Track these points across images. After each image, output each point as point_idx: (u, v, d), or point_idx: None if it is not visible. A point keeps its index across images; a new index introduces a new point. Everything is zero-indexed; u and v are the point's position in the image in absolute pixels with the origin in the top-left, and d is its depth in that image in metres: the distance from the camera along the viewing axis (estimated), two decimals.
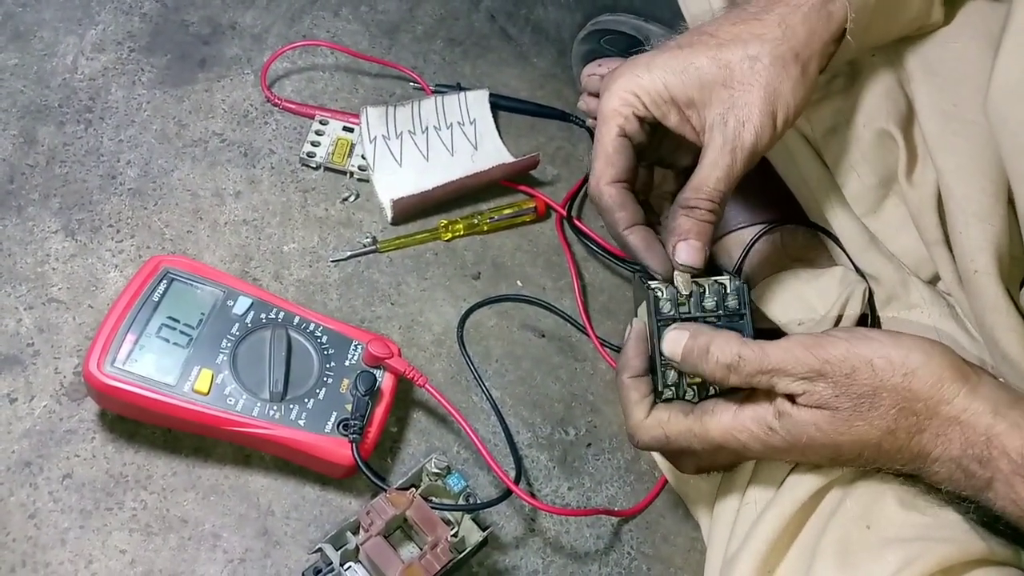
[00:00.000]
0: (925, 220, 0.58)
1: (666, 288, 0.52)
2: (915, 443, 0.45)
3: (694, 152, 0.53)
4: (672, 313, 0.52)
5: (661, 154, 0.57)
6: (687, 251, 0.51)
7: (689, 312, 0.52)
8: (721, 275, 0.53)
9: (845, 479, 0.51)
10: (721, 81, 0.50)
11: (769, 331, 0.59)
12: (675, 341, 0.50)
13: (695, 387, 0.52)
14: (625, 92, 0.51)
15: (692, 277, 0.52)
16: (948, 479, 0.45)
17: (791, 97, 0.51)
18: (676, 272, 0.52)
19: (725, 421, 0.49)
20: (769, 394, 0.48)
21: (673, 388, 0.52)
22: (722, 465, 0.56)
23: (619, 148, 0.52)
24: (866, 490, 0.49)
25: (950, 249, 0.57)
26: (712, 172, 0.50)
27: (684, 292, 0.52)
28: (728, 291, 0.52)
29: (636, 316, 0.55)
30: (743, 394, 0.49)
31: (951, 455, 0.44)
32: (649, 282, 0.52)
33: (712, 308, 0.52)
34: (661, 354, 0.51)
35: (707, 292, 0.52)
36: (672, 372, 0.51)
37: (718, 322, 0.51)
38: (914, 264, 0.60)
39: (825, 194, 0.63)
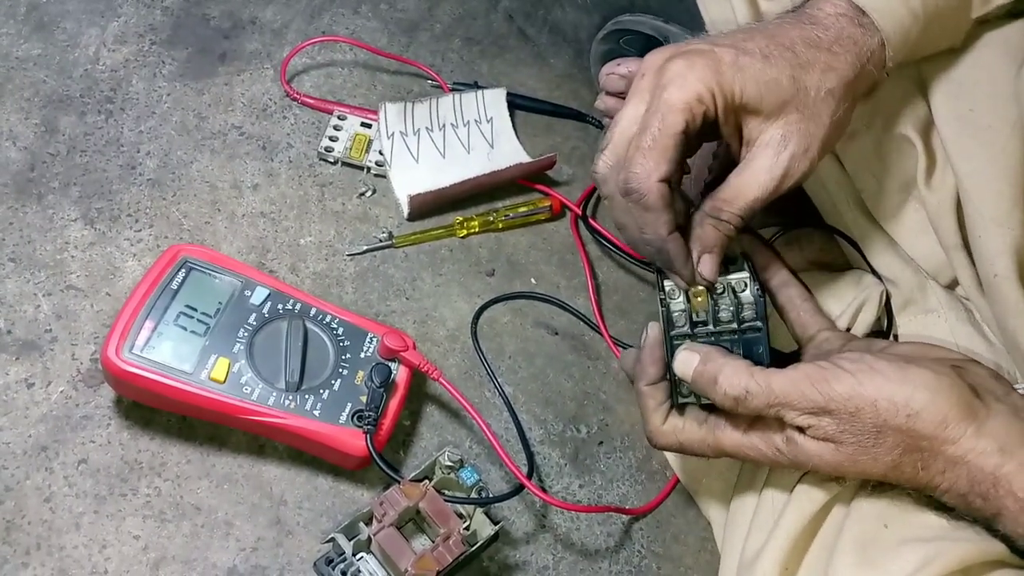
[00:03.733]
0: (944, 225, 0.58)
1: (680, 295, 0.51)
2: (922, 477, 0.45)
3: (718, 157, 0.53)
4: (685, 327, 0.51)
5: None
6: (712, 266, 0.50)
7: (704, 323, 0.51)
8: (738, 269, 0.52)
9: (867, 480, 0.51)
10: (795, 103, 0.48)
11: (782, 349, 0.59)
12: (685, 363, 0.49)
13: None
14: (703, 88, 0.47)
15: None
16: (957, 507, 0.45)
17: (842, 134, 0.51)
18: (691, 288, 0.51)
19: (735, 440, 0.49)
20: (780, 420, 0.48)
21: (692, 395, 0.52)
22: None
23: (679, 144, 0.47)
24: (886, 491, 0.49)
25: (969, 254, 0.57)
26: (753, 188, 0.48)
27: (700, 311, 0.51)
28: (743, 301, 0.51)
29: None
30: (752, 417, 0.50)
31: (959, 492, 0.45)
32: (664, 288, 0.52)
33: (727, 319, 0.51)
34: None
35: (722, 303, 0.51)
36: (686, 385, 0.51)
37: (734, 336, 0.51)
38: (933, 269, 0.60)
39: (843, 198, 0.63)
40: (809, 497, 0.51)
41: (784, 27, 0.50)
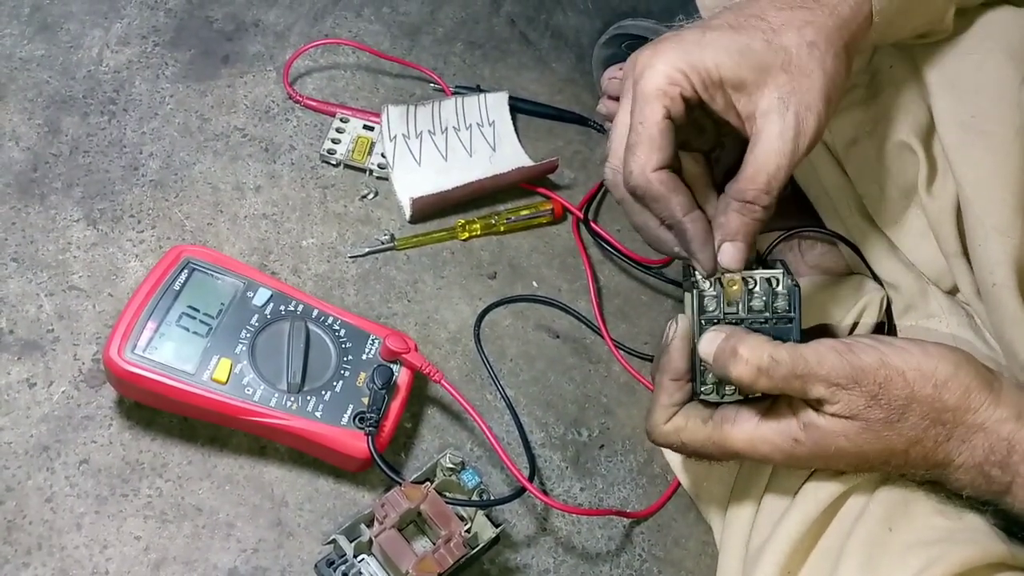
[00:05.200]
0: (944, 232, 0.58)
1: (714, 285, 0.50)
2: (941, 451, 0.45)
3: (727, 137, 0.51)
4: (717, 313, 0.50)
5: (682, 138, 0.51)
6: (733, 254, 0.48)
7: (736, 312, 0.50)
8: (771, 267, 0.51)
9: (867, 482, 0.51)
10: (779, 66, 0.47)
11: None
12: (710, 342, 0.48)
13: (736, 388, 0.50)
14: (673, 70, 0.46)
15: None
16: (970, 484, 0.45)
17: (844, 87, 0.49)
18: (725, 275, 0.50)
19: (747, 431, 0.48)
20: (792, 405, 0.48)
21: (713, 387, 0.51)
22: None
23: (665, 131, 0.47)
24: (888, 494, 0.50)
25: (968, 261, 0.57)
26: (771, 159, 0.46)
27: (733, 300, 0.50)
28: (778, 291, 0.50)
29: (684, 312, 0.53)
30: (765, 404, 0.49)
31: (974, 462, 0.45)
32: (696, 277, 0.50)
33: (760, 309, 0.50)
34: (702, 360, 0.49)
35: (756, 291, 0.50)
36: (711, 373, 0.50)
37: (765, 324, 0.50)
38: (935, 275, 0.60)
39: (845, 203, 0.63)
40: (814, 498, 0.51)
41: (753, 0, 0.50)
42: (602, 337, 0.70)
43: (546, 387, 0.68)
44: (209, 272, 0.59)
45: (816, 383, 0.45)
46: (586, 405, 0.68)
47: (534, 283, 0.73)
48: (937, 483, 0.47)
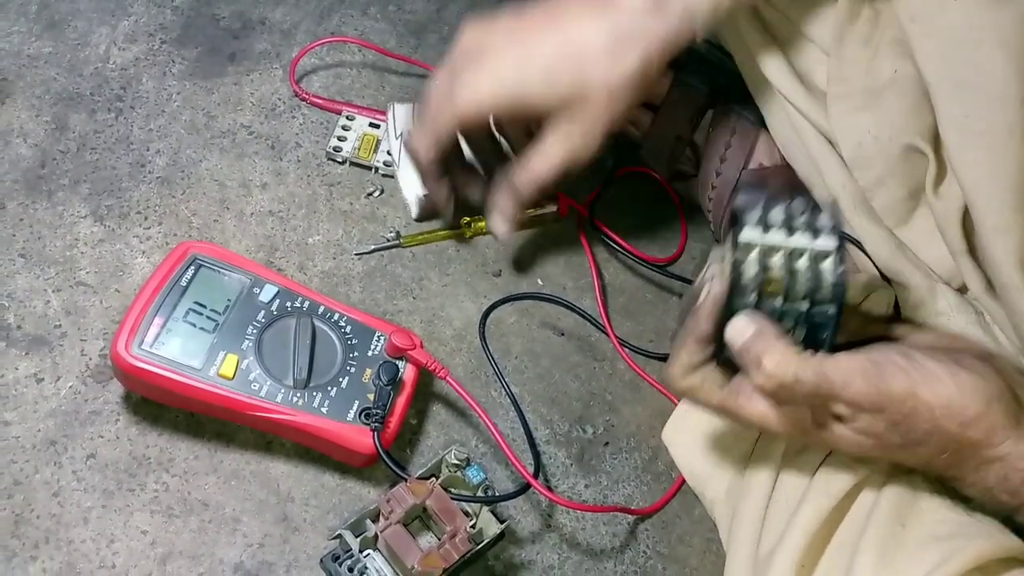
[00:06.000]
0: (951, 232, 0.58)
1: (755, 258, 0.47)
2: (953, 470, 0.46)
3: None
4: (752, 296, 0.47)
5: None
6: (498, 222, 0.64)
7: (774, 295, 0.47)
8: (827, 236, 0.47)
9: (878, 475, 0.51)
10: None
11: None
12: (739, 332, 0.47)
13: None
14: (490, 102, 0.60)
15: (790, 230, 0.47)
16: (978, 497, 0.46)
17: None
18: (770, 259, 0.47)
19: (760, 409, 0.48)
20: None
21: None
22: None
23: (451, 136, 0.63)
24: (898, 489, 0.50)
25: (975, 259, 0.57)
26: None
27: (774, 281, 0.47)
28: (823, 281, 0.46)
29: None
30: None
31: (986, 485, 0.45)
32: (738, 244, 0.47)
33: (800, 296, 0.47)
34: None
35: (800, 277, 0.46)
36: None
37: (800, 315, 0.47)
38: (946, 274, 0.60)
39: (851, 204, 0.63)
40: (826, 492, 0.51)
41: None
42: (607, 335, 0.70)
43: (551, 384, 0.68)
44: (216, 268, 0.59)
45: (838, 403, 0.45)
46: (591, 402, 0.68)
47: (539, 281, 0.73)
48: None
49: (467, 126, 0.62)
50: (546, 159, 0.60)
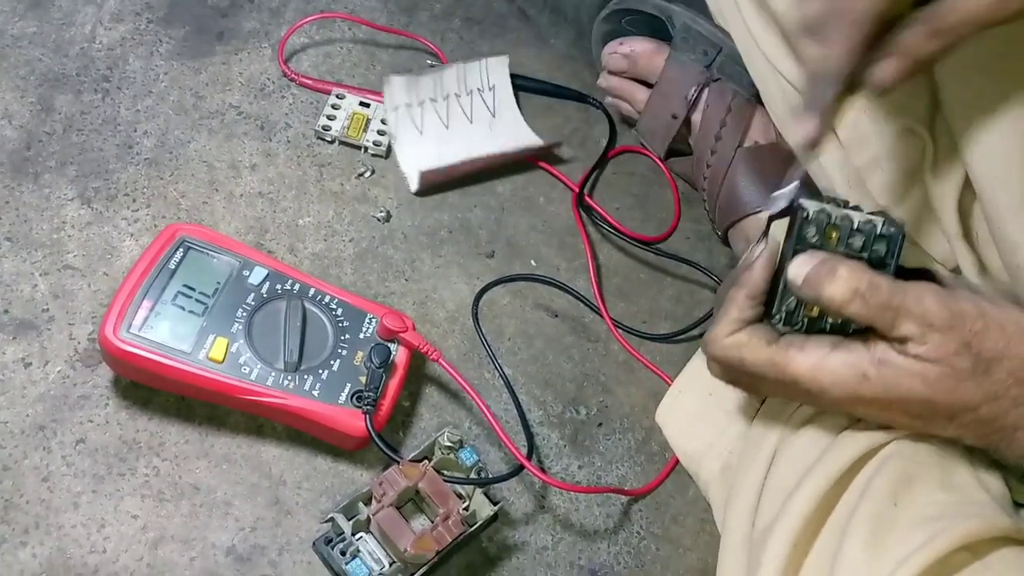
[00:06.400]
0: (946, 214, 0.58)
1: (816, 207, 0.49)
2: (1014, 414, 0.45)
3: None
4: (816, 240, 0.48)
5: None
6: (894, 67, 0.46)
7: (832, 245, 0.48)
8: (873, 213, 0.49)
9: (878, 456, 0.50)
10: None
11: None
12: (803, 264, 0.47)
13: (808, 320, 0.50)
14: None
15: (844, 207, 0.49)
16: None
17: None
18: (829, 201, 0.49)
19: (813, 360, 0.47)
20: (868, 342, 0.47)
21: (786, 315, 0.50)
22: (781, 397, 0.55)
23: None
24: (896, 469, 0.49)
25: (969, 242, 0.57)
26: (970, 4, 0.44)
27: (836, 218, 0.48)
28: (878, 233, 0.48)
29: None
30: (836, 339, 0.49)
31: None
32: (802, 201, 0.49)
33: (857, 248, 0.48)
34: (787, 282, 0.49)
35: (857, 229, 0.48)
36: (792, 299, 0.49)
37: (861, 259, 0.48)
38: (940, 256, 0.59)
39: (846, 184, 0.63)
40: (824, 473, 0.50)
41: None
42: (601, 316, 0.70)
43: (544, 366, 0.67)
44: (205, 251, 0.58)
45: (909, 319, 0.44)
46: (584, 383, 0.67)
47: (532, 262, 0.72)
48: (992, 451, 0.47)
49: None
50: None
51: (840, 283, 0.46)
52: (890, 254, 0.48)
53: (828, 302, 0.46)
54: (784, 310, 0.50)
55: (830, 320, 0.49)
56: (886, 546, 0.46)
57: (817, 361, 0.48)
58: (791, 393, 0.51)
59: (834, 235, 0.49)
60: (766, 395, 0.54)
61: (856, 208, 0.49)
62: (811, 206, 0.49)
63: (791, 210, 0.50)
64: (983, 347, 0.44)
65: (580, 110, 0.83)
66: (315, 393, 0.56)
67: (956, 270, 0.60)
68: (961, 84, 0.56)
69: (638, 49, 0.77)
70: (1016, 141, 0.52)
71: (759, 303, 0.50)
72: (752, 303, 0.50)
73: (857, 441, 0.51)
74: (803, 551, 0.50)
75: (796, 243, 0.49)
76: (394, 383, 0.58)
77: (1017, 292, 0.54)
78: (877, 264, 0.48)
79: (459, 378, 0.57)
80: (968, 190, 0.56)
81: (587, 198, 0.76)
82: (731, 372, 0.53)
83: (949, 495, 0.47)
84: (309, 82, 0.75)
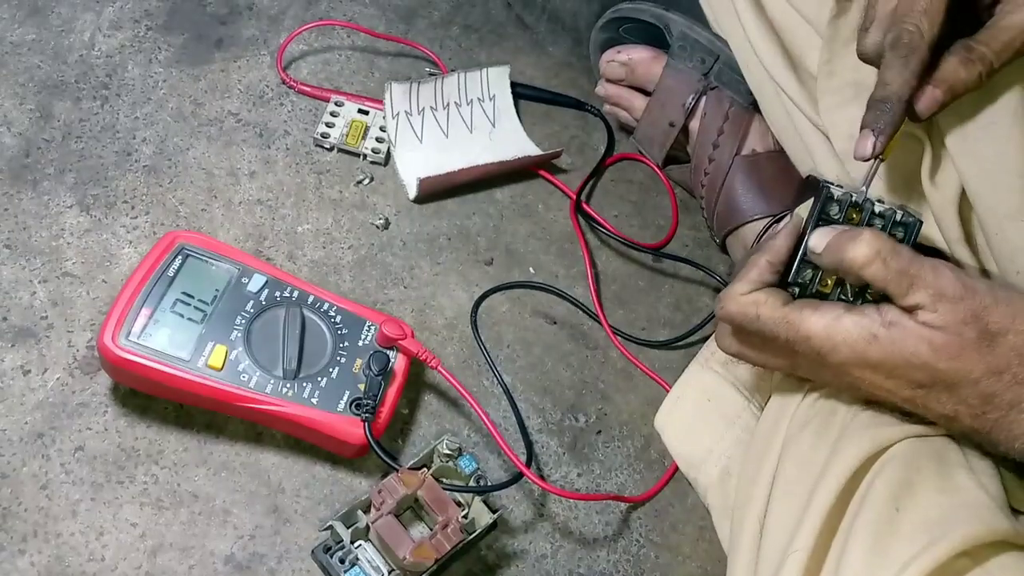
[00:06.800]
0: (947, 220, 0.58)
1: (841, 191, 0.52)
2: (1012, 393, 0.46)
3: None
4: (839, 217, 0.51)
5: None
6: (932, 97, 0.50)
7: (854, 222, 0.52)
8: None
9: (879, 461, 0.50)
10: None
11: None
12: (825, 234, 0.50)
13: (821, 295, 0.52)
14: None
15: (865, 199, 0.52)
16: None
17: None
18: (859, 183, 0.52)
19: (827, 318, 0.49)
20: (880, 308, 0.48)
21: (800, 288, 0.52)
22: (784, 368, 0.56)
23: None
24: (896, 474, 0.49)
25: (971, 247, 0.57)
26: (1013, 31, 0.48)
27: (859, 197, 0.52)
28: (897, 220, 0.52)
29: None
30: (850, 304, 0.50)
31: None
32: (828, 190, 0.52)
33: (878, 228, 0.51)
34: (807, 251, 0.51)
35: (876, 211, 0.52)
36: (809, 270, 0.52)
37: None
38: None
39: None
40: (827, 488, 0.50)
41: None
42: (599, 323, 0.70)
43: (543, 373, 0.67)
44: (204, 258, 0.58)
45: (923, 288, 0.46)
46: (583, 391, 0.67)
47: (531, 269, 0.73)
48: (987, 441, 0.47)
49: None
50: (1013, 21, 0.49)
51: (863, 245, 0.47)
52: (907, 239, 0.51)
53: (850, 263, 0.48)
54: (800, 281, 0.52)
55: (841, 295, 0.51)
56: (888, 552, 0.46)
57: (830, 320, 0.49)
58: (800, 355, 0.52)
59: (855, 216, 0.52)
60: (771, 362, 0.55)
61: (879, 201, 0.52)
62: (836, 188, 0.52)
63: (816, 190, 0.52)
64: (990, 319, 0.45)
65: (578, 118, 0.83)
66: (314, 401, 0.55)
67: None
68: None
69: (636, 57, 0.78)
70: (1006, 147, 0.52)
71: (777, 271, 0.52)
72: (772, 268, 0.52)
73: (860, 444, 0.51)
74: (820, 559, 0.50)
75: (818, 218, 0.51)
76: (393, 390, 0.58)
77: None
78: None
79: (458, 385, 0.57)
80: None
81: (585, 205, 0.76)
82: (741, 333, 0.54)
83: (949, 498, 0.47)
84: (308, 89, 0.76)
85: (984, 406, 0.47)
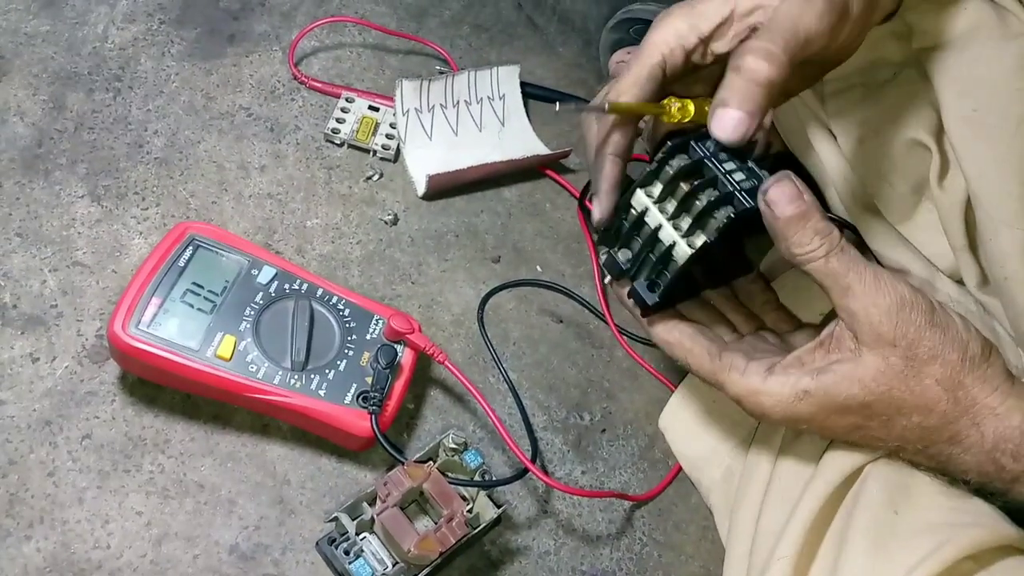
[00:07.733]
0: (953, 226, 0.58)
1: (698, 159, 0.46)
2: (950, 429, 0.45)
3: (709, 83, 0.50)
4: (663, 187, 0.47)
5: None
6: (723, 122, 0.44)
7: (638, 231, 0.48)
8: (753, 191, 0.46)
9: (871, 463, 0.50)
10: None
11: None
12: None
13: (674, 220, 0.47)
14: (680, 23, 0.47)
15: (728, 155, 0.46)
16: (977, 470, 0.45)
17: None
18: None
19: (752, 383, 0.47)
20: (804, 363, 0.47)
21: (629, 265, 0.49)
22: None
23: (651, 74, 0.47)
24: (892, 474, 0.49)
25: (974, 255, 0.57)
26: (791, 20, 0.44)
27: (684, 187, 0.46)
28: (712, 217, 0.46)
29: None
30: (772, 361, 0.48)
31: (983, 448, 0.44)
32: (696, 143, 0.47)
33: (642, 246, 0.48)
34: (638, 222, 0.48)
35: (703, 196, 0.46)
36: (638, 241, 0.48)
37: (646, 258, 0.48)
38: (947, 269, 0.60)
39: (848, 194, 0.63)
40: (824, 480, 0.50)
41: None
42: (605, 322, 0.70)
43: (549, 371, 0.67)
44: (214, 249, 0.59)
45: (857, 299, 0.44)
46: (588, 390, 0.68)
47: (538, 267, 0.73)
48: (941, 471, 0.47)
49: (662, 57, 0.49)
50: (788, 14, 0.45)
51: (815, 222, 0.44)
52: (667, 268, 0.48)
53: (793, 239, 0.44)
54: (629, 261, 0.49)
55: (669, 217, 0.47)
56: (891, 554, 0.46)
57: (758, 384, 0.47)
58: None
59: (684, 185, 0.46)
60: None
61: (759, 163, 0.46)
62: (700, 151, 0.46)
63: (684, 144, 0.47)
64: (920, 347, 0.44)
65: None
66: (321, 393, 0.56)
67: (960, 282, 0.60)
68: (958, 99, 0.56)
69: None
70: (1011, 152, 0.53)
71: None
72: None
73: (851, 449, 0.51)
74: (806, 565, 0.50)
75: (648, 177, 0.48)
76: (400, 384, 0.58)
77: (1001, 303, 0.55)
78: (658, 267, 0.48)
79: (464, 381, 0.58)
80: None
81: (586, 202, 0.76)
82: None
83: (950, 500, 0.47)
84: (319, 85, 0.76)
85: (923, 440, 0.46)
